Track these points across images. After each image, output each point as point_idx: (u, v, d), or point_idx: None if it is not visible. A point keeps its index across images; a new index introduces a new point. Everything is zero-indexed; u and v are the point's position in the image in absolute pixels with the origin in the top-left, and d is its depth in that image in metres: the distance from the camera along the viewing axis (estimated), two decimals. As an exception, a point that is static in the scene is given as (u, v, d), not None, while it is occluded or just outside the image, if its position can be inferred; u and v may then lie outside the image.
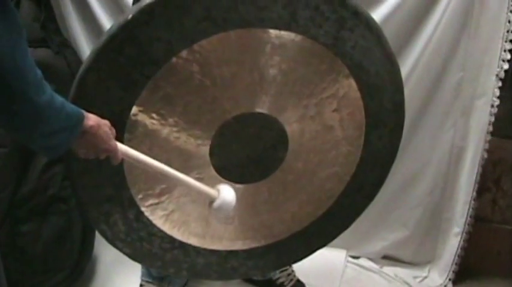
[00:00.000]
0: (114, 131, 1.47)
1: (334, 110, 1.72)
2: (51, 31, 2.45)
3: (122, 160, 1.50)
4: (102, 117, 1.44)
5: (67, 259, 2.51)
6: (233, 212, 1.72)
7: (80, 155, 1.45)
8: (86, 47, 2.76)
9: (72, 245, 2.50)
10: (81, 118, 1.36)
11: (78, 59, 2.52)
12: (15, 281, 2.34)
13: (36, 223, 2.39)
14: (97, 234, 2.55)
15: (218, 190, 1.63)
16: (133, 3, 2.02)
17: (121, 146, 1.47)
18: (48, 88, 1.30)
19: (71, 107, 1.35)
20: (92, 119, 1.39)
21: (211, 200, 1.62)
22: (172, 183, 1.67)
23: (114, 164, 1.48)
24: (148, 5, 1.43)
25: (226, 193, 1.63)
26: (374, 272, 2.79)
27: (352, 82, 1.69)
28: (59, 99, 1.32)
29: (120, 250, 1.80)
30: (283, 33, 1.55)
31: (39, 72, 1.29)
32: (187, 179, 1.58)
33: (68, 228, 2.46)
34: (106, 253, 2.76)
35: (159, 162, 1.52)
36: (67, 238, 2.47)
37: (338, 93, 1.70)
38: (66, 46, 2.51)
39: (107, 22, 2.70)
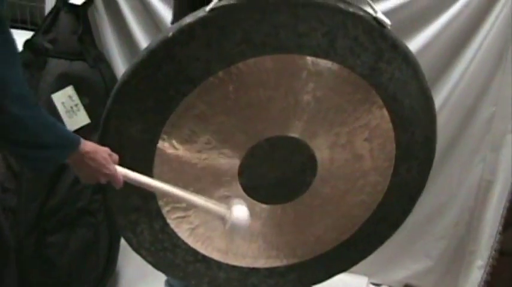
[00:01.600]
0: (115, 156, 1.52)
1: (365, 140, 1.73)
2: (88, 44, 2.49)
3: (151, 173, 1.54)
4: (136, 130, 1.48)
5: (92, 272, 2.53)
6: (255, 229, 1.74)
7: (81, 179, 1.53)
8: (119, 61, 2.82)
9: (97, 259, 2.53)
10: (74, 143, 1.44)
11: (112, 73, 2.57)
12: (39, 292, 2.38)
13: (63, 235, 2.42)
14: (120, 249, 2.60)
15: (230, 209, 1.60)
16: (173, 22, 2.05)
17: (121, 170, 1.51)
18: (35, 106, 1.39)
19: (65, 130, 1.46)
20: (88, 146, 1.47)
21: (224, 220, 1.61)
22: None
23: (116, 188, 1.52)
24: (189, 25, 1.46)
25: (238, 212, 1.60)
26: (394, 300, 2.79)
27: (385, 113, 1.69)
28: (50, 119, 1.42)
29: (144, 258, 1.82)
30: (321, 61, 1.56)
31: (26, 89, 1.37)
32: (195, 200, 1.59)
33: (94, 241, 2.49)
34: (129, 268, 2.78)
35: (163, 183, 1.56)
36: (93, 251, 2.50)
37: (370, 124, 1.70)
38: (102, 60, 2.55)
39: (141, 37, 2.75)
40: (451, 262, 2.77)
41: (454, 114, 2.53)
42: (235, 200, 1.65)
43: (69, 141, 1.44)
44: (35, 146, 1.39)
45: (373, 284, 2.86)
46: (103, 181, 1.50)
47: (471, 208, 2.67)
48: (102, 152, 1.49)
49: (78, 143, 1.44)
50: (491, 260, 2.62)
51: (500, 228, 2.58)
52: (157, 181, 1.56)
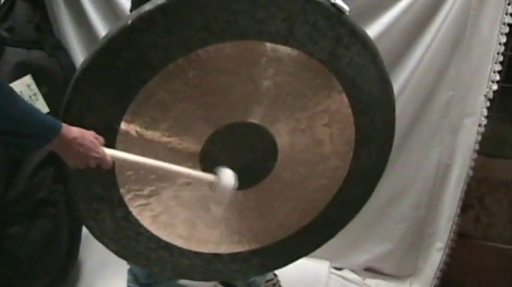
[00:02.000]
0: (101, 139, 1.52)
1: (325, 125, 1.75)
2: (46, 32, 2.45)
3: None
4: (96, 117, 1.47)
5: (53, 263, 2.50)
6: (217, 215, 1.76)
7: (70, 165, 1.51)
8: (77, 50, 2.79)
9: (59, 250, 2.50)
10: (55, 129, 1.42)
11: (70, 62, 2.53)
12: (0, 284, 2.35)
13: (23, 226, 2.38)
14: (81, 239, 2.58)
15: (218, 175, 1.68)
16: (131, 10, 2.04)
17: (110, 151, 1.52)
18: (11, 94, 1.37)
19: (45, 117, 1.43)
20: (74, 131, 1.45)
21: (212, 185, 1.68)
22: (166, 179, 1.71)
23: (106, 168, 1.52)
24: (148, 12, 1.45)
25: (226, 176, 1.68)
26: (356, 284, 2.83)
27: (345, 98, 1.71)
28: (28, 106, 1.40)
29: (107, 246, 1.82)
30: (280, 47, 1.57)
31: None
32: (183, 169, 1.63)
33: (55, 232, 2.46)
34: (91, 258, 2.76)
35: (151, 159, 1.57)
36: (54, 242, 2.47)
37: (330, 109, 1.72)
38: (60, 48, 2.52)
39: (99, 24, 2.73)
40: (411, 245, 2.81)
41: (412, 99, 2.56)
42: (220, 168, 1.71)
43: (49, 128, 1.42)
44: (14, 135, 1.37)
45: (335, 268, 2.88)
46: (92, 164, 1.50)
47: (430, 191, 2.71)
48: (89, 135, 1.48)
49: (59, 129, 1.42)
50: (450, 242, 2.67)
51: (459, 210, 2.63)
52: (146, 158, 1.56)
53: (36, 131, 1.40)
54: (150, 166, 1.57)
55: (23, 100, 1.40)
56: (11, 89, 1.38)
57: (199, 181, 1.68)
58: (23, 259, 2.41)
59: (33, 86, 2.35)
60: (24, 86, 2.33)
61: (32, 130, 1.40)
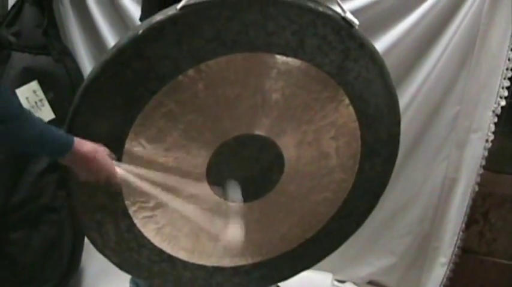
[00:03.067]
0: (113, 156, 1.53)
1: (332, 138, 1.74)
2: (53, 38, 2.45)
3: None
4: (104, 127, 1.47)
5: (55, 269, 2.50)
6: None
7: (80, 178, 1.51)
8: (84, 56, 2.79)
9: (60, 256, 2.50)
10: (67, 146, 1.44)
11: (77, 68, 2.54)
12: (1, 289, 2.35)
13: (26, 232, 2.39)
14: (84, 245, 2.57)
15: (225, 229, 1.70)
16: (141, 17, 2.03)
17: (121, 169, 1.53)
18: (20, 115, 1.37)
19: (55, 134, 1.43)
20: (87, 146, 1.46)
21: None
22: (172, 191, 1.68)
23: (113, 189, 1.55)
24: (159, 22, 1.45)
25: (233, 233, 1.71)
26: (359, 297, 2.82)
27: (352, 112, 1.70)
28: (38, 126, 1.41)
29: (109, 258, 1.80)
30: (290, 59, 1.56)
31: (7, 99, 1.35)
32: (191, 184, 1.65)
33: (58, 238, 2.47)
34: (92, 265, 2.76)
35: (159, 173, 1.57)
36: (56, 248, 2.47)
37: (337, 122, 1.71)
38: (66, 54, 2.52)
39: (106, 31, 2.73)
40: (414, 259, 2.81)
41: (419, 113, 2.56)
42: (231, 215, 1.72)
43: (62, 144, 1.43)
44: (27, 153, 1.38)
45: (338, 280, 2.88)
46: (102, 179, 1.51)
47: (435, 205, 2.71)
48: (102, 151, 1.49)
49: (71, 144, 1.43)
50: (454, 257, 2.66)
51: (464, 225, 2.62)
52: (154, 172, 1.58)
53: (50, 149, 1.43)
54: (158, 182, 1.57)
55: (33, 121, 1.40)
56: (22, 112, 1.38)
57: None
58: (25, 264, 2.41)
59: (39, 92, 2.35)
60: (31, 92, 2.33)
61: (46, 149, 1.42)
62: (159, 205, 1.72)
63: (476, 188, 2.57)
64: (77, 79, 2.44)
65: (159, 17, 1.45)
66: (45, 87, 2.36)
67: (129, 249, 1.78)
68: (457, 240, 2.65)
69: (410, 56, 2.51)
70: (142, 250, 1.80)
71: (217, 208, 1.73)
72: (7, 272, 2.39)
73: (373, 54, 1.64)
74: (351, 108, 1.70)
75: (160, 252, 1.82)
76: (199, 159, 1.67)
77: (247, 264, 1.95)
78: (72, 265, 2.58)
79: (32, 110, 2.30)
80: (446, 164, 2.63)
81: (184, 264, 1.88)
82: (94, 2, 2.69)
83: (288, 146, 1.73)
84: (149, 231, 1.77)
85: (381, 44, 2.40)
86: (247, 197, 1.76)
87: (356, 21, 1.56)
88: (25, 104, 2.32)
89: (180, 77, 1.52)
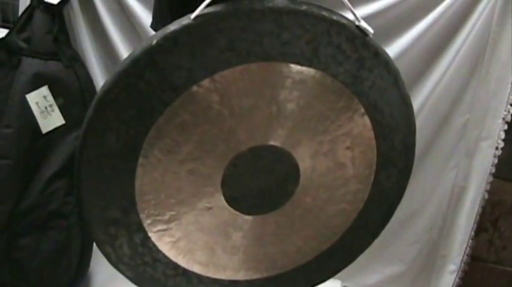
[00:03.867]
0: None
1: (347, 148, 1.72)
2: (63, 44, 2.46)
3: (133, 184, 1.51)
4: (117, 139, 1.45)
5: (63, 276, 2.50)
6: (236, 241, 1.74)
7: None
8: (94, 62, 2.77)
9: (69, 262, 2.50)
10: None
11: (87, 74, 2.54)
12: (9, 295, 2.35)
13: (35, 237, 2.39)
14: (92, 251, 2.57)
15: None
16: (152, 24, 2.02)
17: None
18: None
19: None
20: None
21: None
22: (187, 203, 1.68)
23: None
24: (173, 32, 1.43)
25: None
26: (367, 304, 2.80)
27: (367, 121, 1.69)
28: None
29: (123, 273, 1.77)
30: (304, 69, 1.55)
31: None
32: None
33: (66, 244, 2.46)
34: (101, 271, 2.74)
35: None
36: (65, 255, 2.47)
37: (352, 132, 1.69)
38: (76, 60, 2.52)
39: (117, 37, 2.71)
40: (423, 267, 2.80)
41: (428, 121, 2.55)
42: None
43: None
44: None
45: (346, 288, 2.87)
46: None
47: (444, 213, 2.70)
48: None
49: None
50: (463, 265, 2.65)
51: (473, 233, 2.61)
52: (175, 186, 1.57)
53: None
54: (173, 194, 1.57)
55: None
56: None
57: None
58: (33, 270, 2.42)
59: (50, 97, 2.36)
60: (41, 97, 2.35)
61: None
62: (174, 218, 1.69)
63: (486, 196, 2.56)
64: (87, 85, 2.45)
65: (173, 27, 1.43)
66: (55, 93, 2.38)
67: (143, 263, 1.75)
68: (466, 248, 2.64)
69: (419, 65, 2.49)
70: (157, 264, 1.77)
71: (233, 221, 1.71)
72: (16, 278, 2.40)
73: (388, 63, 1.63)
74: (366, 117, 1.68)
75: (175, 266, 1.79)
76: (214, 171, 1.65)
77: (262, 277, 1.92)
78: (81, 271, 2.57)
79: (42, 116, 2.32)
80: (456, 172, 2.62)
81: (199, 278, 1.85)
82: (104, 8, 2.67)
83: (304, 157, 1.70)
84: (164, 245, 1.74)
85: (389, 52, 2.36)
86: (262, 209, 1.75)
87: (370, 30, 1.55)
88: (35, 109, 2.33)
89: (195, 88, 1.50)
